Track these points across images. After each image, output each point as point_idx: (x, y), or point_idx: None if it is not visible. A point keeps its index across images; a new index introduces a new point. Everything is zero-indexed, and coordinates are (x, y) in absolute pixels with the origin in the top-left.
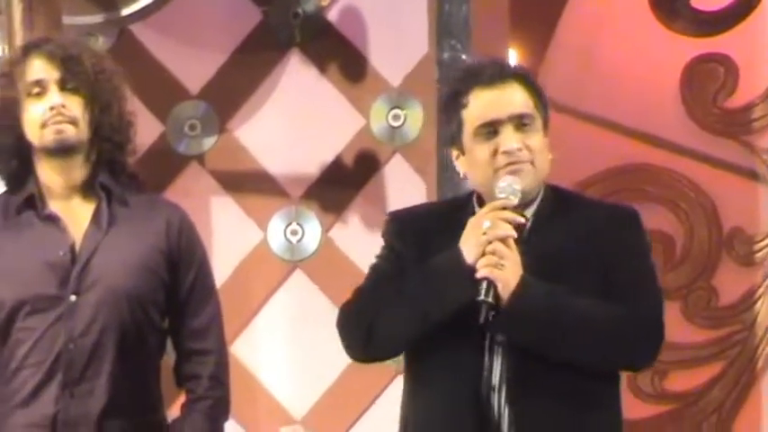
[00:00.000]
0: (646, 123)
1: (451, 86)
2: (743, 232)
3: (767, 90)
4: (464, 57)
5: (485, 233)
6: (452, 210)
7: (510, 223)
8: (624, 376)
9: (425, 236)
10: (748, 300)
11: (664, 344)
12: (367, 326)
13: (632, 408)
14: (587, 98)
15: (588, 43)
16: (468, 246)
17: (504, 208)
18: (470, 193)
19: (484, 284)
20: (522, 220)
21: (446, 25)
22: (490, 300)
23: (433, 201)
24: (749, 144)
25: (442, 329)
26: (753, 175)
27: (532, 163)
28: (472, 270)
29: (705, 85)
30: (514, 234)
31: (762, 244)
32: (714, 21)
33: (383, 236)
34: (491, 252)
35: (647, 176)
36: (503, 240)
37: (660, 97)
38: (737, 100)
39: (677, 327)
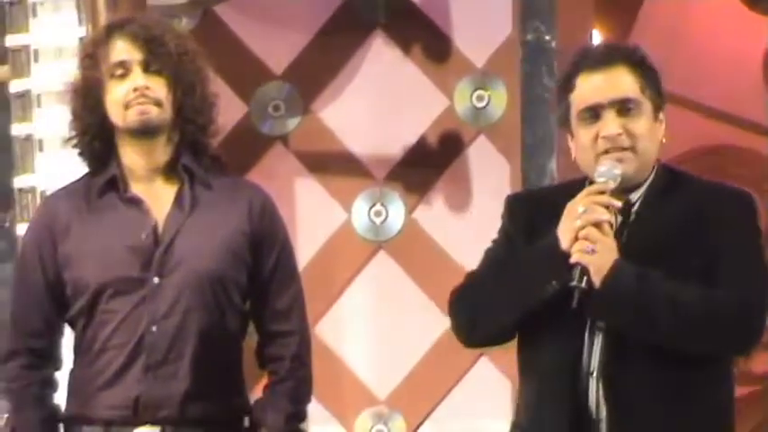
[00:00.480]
0: (729, 104)
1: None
2: None
3: None
4: (548, 38)
5: (578, 218)
6: (566, 193)
7: (606, 207)
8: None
9: (536, 219)
10: None
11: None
12: (471, 311)
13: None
14: (671, 79)
15: (672, 25)
16: (564, 231)
17: (602, 192)
18: (585, 177)
19: (577, 270)
20: (619, 204)
21: (530, 6)
22: (583, 285)
23: (553, 183)
24: None
25: (545, 315)
26: None
27: (634, 149)
28: (567, 256)
29: None
30: (610, 218)
31: None
32: None
33: (501, 218)
34: (584, 237)
35: (731, 157)
36: (597, 225)
37: (744, 78)
38: None
39: None
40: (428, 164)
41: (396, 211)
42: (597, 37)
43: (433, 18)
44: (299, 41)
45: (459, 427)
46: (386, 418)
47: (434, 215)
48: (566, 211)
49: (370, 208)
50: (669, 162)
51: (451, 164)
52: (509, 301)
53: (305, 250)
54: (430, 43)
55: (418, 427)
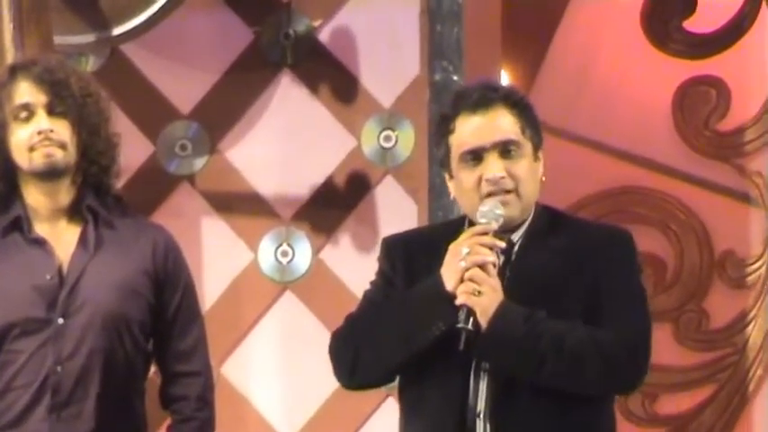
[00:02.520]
0: (638, 146)
1: (442, 110)
2: (734, 255)
3: (759, 113)
4: (456, 78)
5: (463, 260)
6: (444, 233)
7: (490, 248)
8: (620, 402)
9: (415, 261)
10: (740, 323)
11: (654, 367)
12: (353, 354)
13: (627, 424)
14: (579, 120)
15: (580, 65)
16: (448, 273)
17: (485, 233)
18: (463, 217)
19: (463, 311)
20: (503, 245)
21: (438, 47)
22: (469, 326)
23: (429, 224)
24: (741, 167)
25: (429, 355)
26: (744, 198)
27: (517, 191)
28: (452, 297)
29: (697, 107)
30: (494, 259)
31: (753, 267)
32: (706, 43)
33: (378, 261)
34: (469, 279)
35: (639, 199)
36: (482, 266)
37: (652, 120)
38: (729, 123)
39: (668, 350)
40: (335, 204)
41: (302, 252)
42: (505, 77)
43: (341, 58)
44: (206, 81)
45: None
46: None
47: (341, 255)
48: (449, 253)
49: (277, 248)
50: (577, 203)
51: (359, 204)
52: (393, 344)
53: (211, 290)
54: (337, 83)
55: None
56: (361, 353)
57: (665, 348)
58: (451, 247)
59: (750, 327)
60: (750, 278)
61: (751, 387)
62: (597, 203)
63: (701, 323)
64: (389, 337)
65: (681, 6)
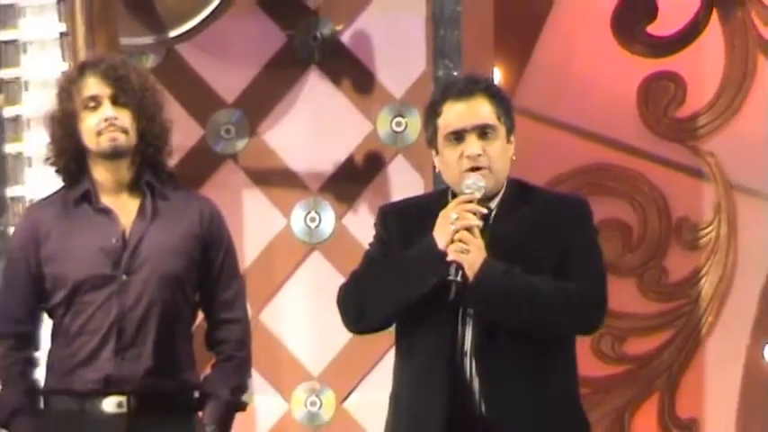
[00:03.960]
0: (608, 130)
1: (431, 98)
2: (689, 221)
3: (710, 102)
4: (455, 73)
5: (452, 223)
6: (432, 202)
7: (474, 214)
8: (588, 342)
9: (408, 225)
10: (693, 278)
11: (621, 315)
12: (358, 304)
13: (595, 368)
14: (559, 108)
15: (560, 63)
16: (439, 234)
17: (470, 201)
18: (446, 188)
19: (453, 267)
20: (485, 210)
21: (441, 48)
22: (459, 279)
23: (417, 195)
24: (695, 148)
25: (422, 305)
26: (698, 174)
27: (490, 168)
28: (443, 255)
29: (658, 97)
30: (479, 223)
31: (705, 231)
32: (666, 45)
33: (375, 226)
34: (458, 239)
35: (609, 174)
36: (468, 229)
37: (620, 108)
38: (685, 111)
39: (633, 300)
40: (355, 178)
41: (327, 218)
42: (497, 73)
43: (360, 57)
44: (247, 75)
45: (380, 396)
46: (318, 391)
47: (360, 221)
48: (440, 218)
49: (306, 215)
50: (557, 178)
51: (374, 178)
52: (393, 294)
53: (251, 250)
54: (357, 78)
55: (345, 398)
56: (364, 303)
57: (630, 299)
58: (442, 213)
59: (702, 281)
60: (702, 240)
61: (703, 331)
62: (574, 178)
63: (661, 278)
64: (389, 289)
65: (644, 13)
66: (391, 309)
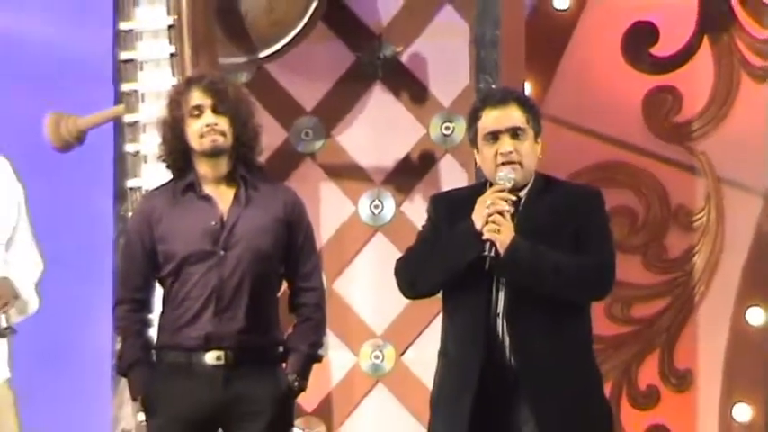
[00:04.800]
0: (618, 133)
1: (473, 105)
2: (685, 208)
3: (701, 111)
4: (493, 86)
5: (487, 208)
6: (473, 192)
7: (505, 201)
8: (601, 306)
9: (453, 210)
10: (688, 255)
11: (628, 285)
12: (411, 274)
13: (607, 328)
14: (578, 115)
15: (579, 79)
16: (476, 217)
17: (502, 190)
18: (485, 181)
19: (487, 244)
20: (515, 198)
21: (482, 66)
22: (492, 254)
23: (463, 186)
24: (689, 148)
25: (464, 275)
26: (692, 169)
27: (521, 162)
28: (480, 234)
29: (659, 107)
30: (509, 208)
31: (697, 216)
32: (665, 64)
33: (427, 212)
34: (491, 221)
35: (619, 170)
36: (500, 213)
37: (628, 115)
38: (681, 118)
39: (638, 273)
40: (411, 173)
41: (388, 205)
42: (528, 87)
43: (415, 74)
44: (322, 89)
45: (432, 351)
46: (381, 347)
47: (415, 208)
48: (477, 204)
49: (371, 203)
50: (578, 172)
51: (427, 173)
52: (438, 266)
53: (326, 231)
54: (413, 91)
55: (403, 352)
56: (416, 273)
57: (636, 272)
58: (479, 199)
59: (695, 257)
60: (695, 224)
61: (696, 298)
62: (592, 172)
63: (661, 255)
64: (435, 261)
65: (648, 38)
66: (437, 278)
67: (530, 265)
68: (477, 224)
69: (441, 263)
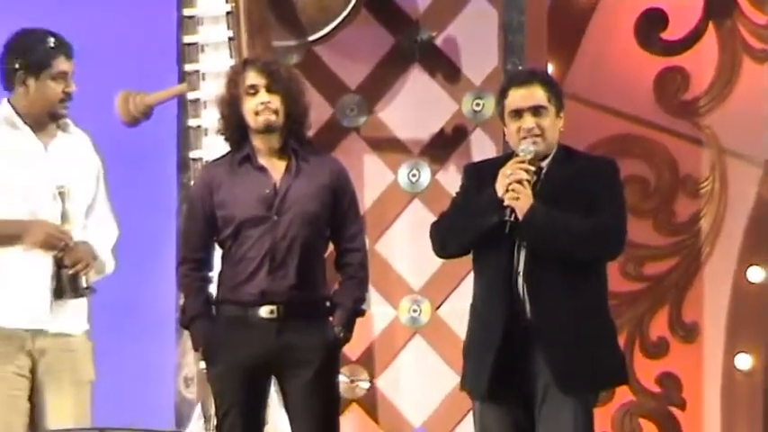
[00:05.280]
0: (632, 109)
1: (501, 85)
2: (692, 177)
3: (707, 89)
4: (520, 68)
5: (507, 177)
6: (500, 162)
7: (525, 171)
8: (617, 265)
9: (483, 179)
10: (695, 219)
11: (640, 245)
12: (442, 236)
13: (622, 285)
14: (596, 93)
15: (597, 60)
16: (499, 186)
17: (523, 161)
18: (512, 152)
19: (508, 210)
20: (533, 168)
21: (510, 48)
22: (512, 219)
23: (492, 156)
24: (696, 122)
25: (488, 238)
26: (699, 142)
27: (542, 136)
28: (501, 201)
29: (668, 86)
30: (528, 177)
31: (703, 184)
32: (675, 47)
33: (461, 180)
34: (511, 189)
35: (634, 142)
36: (519, 182)
37: (641, 93)
38: (688, 95)
39: (650, 234)
40: (446, 144)
41: (425, 174)
42: (550, 68)
43: (449, 55)
44: (365, 69)
45: (464, 305)
46: (418, 301)
47: (449, 176)
48: (500, 174)
49: (409, 172)
50: (596, 143)
51: (460, 145)
52: (466, 230)
53: (369, 197)
54: (447, 71)
55: (439, 306)
56: (446, 235)
57: (648, 233)
58: (502, 170)
59: (701, 221)
60: (702, 191)
61: (702, 258)
62: (608, 144)
63: (671, 219)
64: (463, 226)
65: (658, 23)
66: (464, 240)
67: (545, 228)
68: (499, 192)
69: (467, 227)
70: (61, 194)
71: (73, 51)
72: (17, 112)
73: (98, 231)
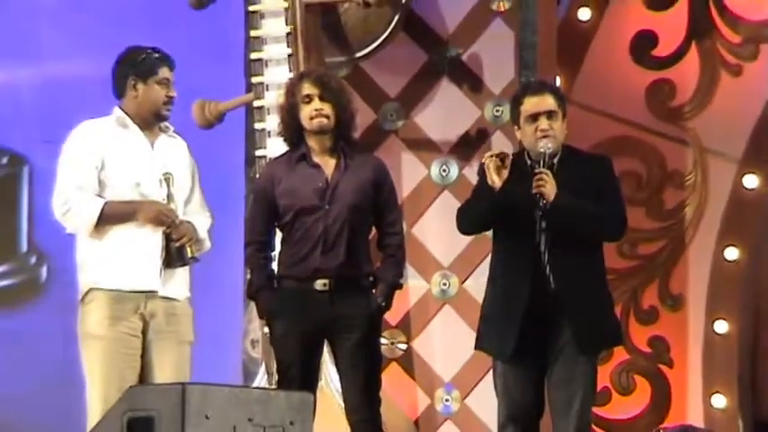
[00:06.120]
0: (627, 114)
1: (515, 93)
2: (678, 171)
3: (690, 98)
4: (532, 80)
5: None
6: (516, 156)
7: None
8: (615, 246)
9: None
10: (680, 205)
11: (634, 228)
12: (467, 217)
13: (619, 262)
14: (597, 101)
15: (597, 73)
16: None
17: (544, 154)
18: (524, 149)
19: (537, 196)
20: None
21: (524, 63)
22: (542, 203)
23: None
24: (682, 126)
25: (515, 220)
26: (684, 142)
27: (555, 137)
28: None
29: (658, 95)
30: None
31: (688, 178)
32: (664, 62)
33: (477, 173)
34: (538, 179)
35: (628, 142)
36: (547, 176)
37: (635, 101)
38: (675, 103)
39: (642, 220)
40: (470, 144)
41: (453, 170)
42: (558, 80)
43: (474, 70)
44: (402, 80)
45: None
46: (448, 276)
47: (474, 172)
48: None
49: (440, 167)
50: (597, 143)
51: (482, 145)
52: (486, 210)
53: (406, 189)
54: (471, 83)
55: (464, 280)
56: (473, 209)
57: (640, 219)
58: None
59: (686, 209)
60: (686, 183)
61: (686, 240)
62: (609, 144)
63: (660, 207)
64: (484, 206)
65: (649, 42)
66: (485, 220)
67: (569, 212)
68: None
69: (495, 208)
70: (167, 180)
71: (174, 63)
72: (128, 115)
73: (195, 218)
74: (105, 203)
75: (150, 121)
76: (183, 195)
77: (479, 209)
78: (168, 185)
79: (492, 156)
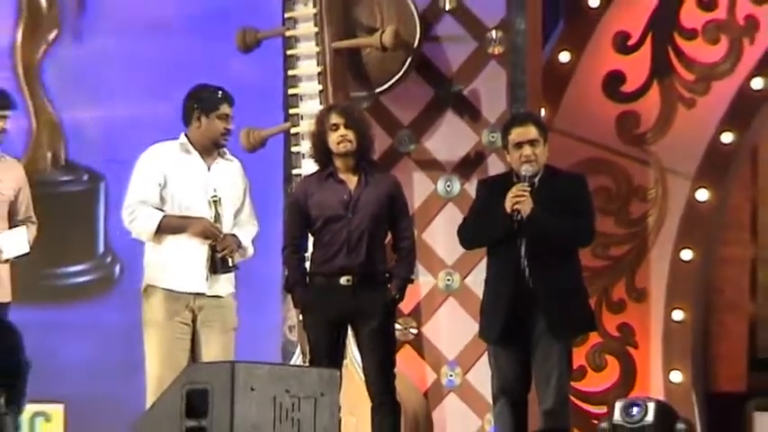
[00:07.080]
0: (600, 139)
1: (504, 123)
2: (642, 186)
3: (652, 126)
4: (520, 112)
5: (514, 195)
6: (503, 177)
7: (524, 190)
8: (590, 249)
9: (492, 188)
10: (644, 216)
11: (604, 233)
12: (467, 235)
13: (592, 262)
14: (576, 128)
15: (575, 106)
16: (507, 202)
17: (523, 188)
18: (512, 170)
19: (515, 213)
20: (528, 186)
21: (515, 97)
22: (519, 219)
23: (499, 173)
24: (646, 149)
25: (501, 235)
26: (646, 162)
27: (537, 161)
28: (509, 214)
29: (625, 123)
30: (526, 193)
31: (650, 192)
32: (630, 96)
33: (476, 190)
34: (516, 199)
35: (600, 163)
36: (521, 194)
37: (606, 128)
38: (639, 130)
39: (612, 227)
40: (470, 165)
41: (456, 185)
42: (543, 111)
43: (473, 102)
44: (413, 112)
45: (484, 277)
46: (451, 273)
47: (473, 187)
48: (508, 193)
49: (445, 183)
50: (575, 164)
51: (480, 165)
52: (483, 236)
53: (416, 202)
54: (471, 113)
55: (465, 277)
56: (470, 232)
57: (610, 227)
58: (509, 192)
59: (649, 218)
60: (649, 197)
61: (649, 243)
62: (585, 164)
63: (627, 216)
64: (482, 231)
65: (618, 80)
66: (482, 242)
67: (543, 225)
68: (507, 207)
69: (484, 234)
70: (214, 202)
71: (233, 101)
72: (191, 142)
73: (243, 228)
74: (163, 217)
75: (209, 148)
76: (231, 211)
77: (489, 235)
78: (216, 206)
79: (521, 185)
